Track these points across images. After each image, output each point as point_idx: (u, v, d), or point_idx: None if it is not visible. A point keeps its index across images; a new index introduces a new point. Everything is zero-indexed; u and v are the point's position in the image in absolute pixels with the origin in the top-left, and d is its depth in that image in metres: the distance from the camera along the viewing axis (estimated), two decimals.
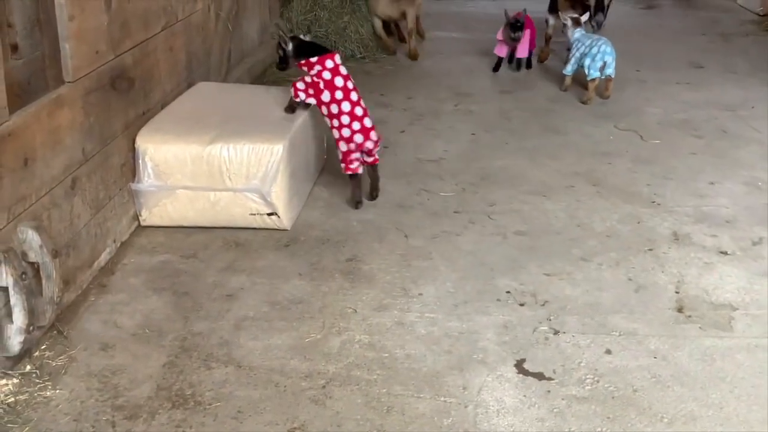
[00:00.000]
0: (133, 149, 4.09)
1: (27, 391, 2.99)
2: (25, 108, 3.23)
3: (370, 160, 4.49)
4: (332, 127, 4.37)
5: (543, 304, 3.62)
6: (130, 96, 4.10)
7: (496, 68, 7.05)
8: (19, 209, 3.13)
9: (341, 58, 4.44)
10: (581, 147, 5.45)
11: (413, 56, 7.40)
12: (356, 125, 4.33)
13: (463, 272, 3.87)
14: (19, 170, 3.13)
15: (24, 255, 3.05)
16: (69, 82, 3.52)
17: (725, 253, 4.07)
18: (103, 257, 3.86)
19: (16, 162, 3.12)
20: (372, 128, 4.38)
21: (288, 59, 4.46)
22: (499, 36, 6.87)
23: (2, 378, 3.01)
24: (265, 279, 3.79)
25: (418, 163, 5.15)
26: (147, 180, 4.11)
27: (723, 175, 4.99)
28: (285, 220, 4.21)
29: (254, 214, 4.16)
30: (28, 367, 3.11)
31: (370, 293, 3.69)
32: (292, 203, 4.28)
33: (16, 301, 2.93)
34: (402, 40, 7.73)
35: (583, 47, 6.19)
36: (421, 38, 7.91)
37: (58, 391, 3.01)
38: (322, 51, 4.40)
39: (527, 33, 6.80)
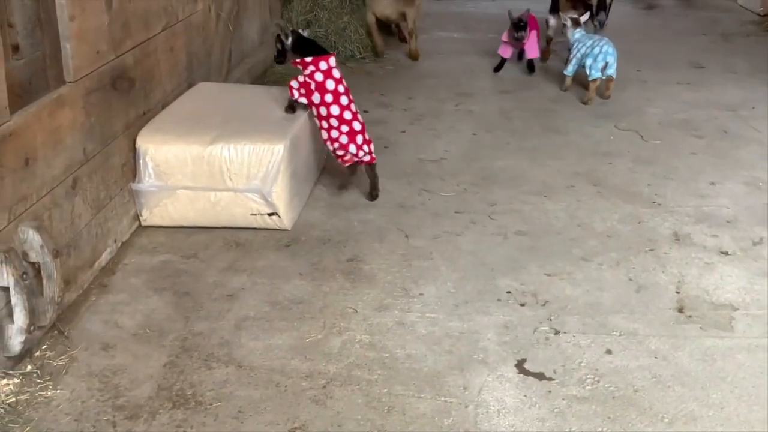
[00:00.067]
0: (133, 149, 4.09)
1: (28, 391, 2.99)
2: (26, 108, 3.23)
3: (366, 159, 4.49)
4: (321, 128, 4.40)
5: (543, 304, 3.62)
6: (131, 96, 4.10)
7: (497, 69, 7.04)
8: (20, 209, 3.13)
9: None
10: (582, 147, 5.45)
11: (414, 56, 7.40)
12: (344, 128, 4.35)
13: (464, 272, 3.87)
14: (20, 170, 3.13)
15: (25, 255, 3.05)
16: (70, 82, 3.52)
17: (726, 254, 4.07)
18: (104, 257, 3.86)
19: (17, 162, 3.12)
20: (359, 132, 4.38)
21: (286, 53, 4.49)
22: (504, 37, 6.84)
23: (3, 378, 3.01)
24: (266, 279, 3.80)
25: (418, 164, 5.15)
26: (148, 180, 4.11)
27: (723, 176, 4.99)
28: (286, 221, 4.21)
29: (255, 215, 4.17)
30: (29, 367, 3.11)
31: (371, 293, 3.69)
32: (292, 203, 4.28)
33: (17, 301, 2.93)
34: (403, 40, 7.73)
35: (584, 47, 6.19)
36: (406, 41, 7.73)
37: (59, 391, 3.01)
38: (320, 51, 4.41)
39: (533, 33, 6.77)
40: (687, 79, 6.92)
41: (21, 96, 3.49)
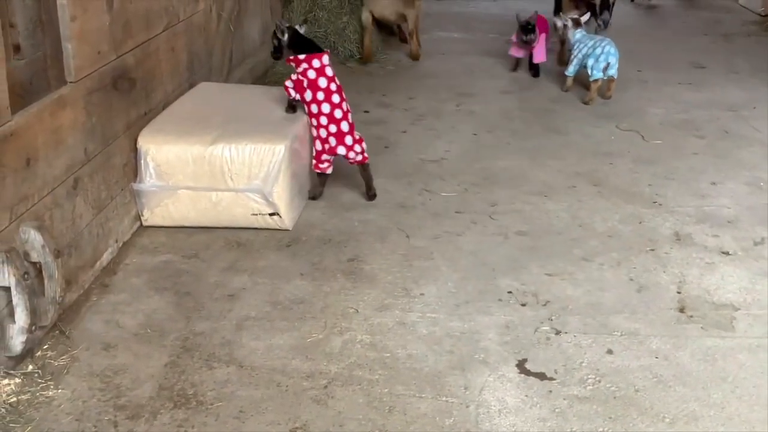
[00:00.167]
0: (135, 149, 4.10)
1: (29, 391, 2.99)
2: (27, 108, 3.24)
3: (358, 159, 4.49)
4: (311, 125, 4.42)
5: (544, 304, 3.62)
6: (132, 96, 4.10)
7: (513, 69, 6.99)
8: (21, 209, 3.13)
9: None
10: (583, 147, 5.45)
11: (415, 57, 7.41)
12: (333, 128, 4.37)
13: (465, 272, 3.87)
14: (21, 170, 3.13)
15: (26, 255, 3.06)
16: (71, 82, 3.52)
17: (727, 254, 4.07)
18: (105, 257, 3.87)
19: (19, 162, 3.12)
20: (348, 132, 4.40)
21: (282, 49, 4.51)
22: (514, 38, 6.81)
23: (4, 378, 3.02)
24: (267, 279, 3.80)
25: (419, 164, 5.15)
26: (149, 180, 4.11)
27: (725, 176, 4.99)
28: (287, 221, 4.21)
29: (256, 215, 4.17)
30: (31, 367, 3.11)
31: (372, 293, 3.69)
32: (293, 203, 4.28)
33: (18, 300, 2.93)
34: (404, 40, 7.73)
35: (586, 48, 6.19)
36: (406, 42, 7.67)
37: (60, 390, 3.01)
38: (314, 49, 4.42)
39: (542, 36, 6.66)
40: (688, 80, 6.92)
41: (22, 96, 3.50)
